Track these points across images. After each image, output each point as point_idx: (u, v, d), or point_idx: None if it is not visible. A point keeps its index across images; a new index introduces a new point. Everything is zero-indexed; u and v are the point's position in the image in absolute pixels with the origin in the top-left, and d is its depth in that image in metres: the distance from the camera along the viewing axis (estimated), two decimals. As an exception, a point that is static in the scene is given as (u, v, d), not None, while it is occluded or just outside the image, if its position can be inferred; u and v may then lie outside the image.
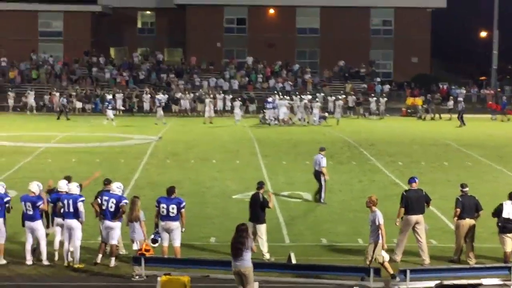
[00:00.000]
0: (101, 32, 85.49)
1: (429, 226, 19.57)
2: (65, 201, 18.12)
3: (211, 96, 61.09)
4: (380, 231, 17.26)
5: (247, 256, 15.02)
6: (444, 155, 37.77)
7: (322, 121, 53.29)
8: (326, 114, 55.19)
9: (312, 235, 21.40)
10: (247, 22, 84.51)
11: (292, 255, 17.61)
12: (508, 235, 18.31)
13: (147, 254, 17.19)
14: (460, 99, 59.96)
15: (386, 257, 17.31)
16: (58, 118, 56.11)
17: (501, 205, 18.49)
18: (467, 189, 19.32)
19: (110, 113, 52.33)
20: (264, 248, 18.85)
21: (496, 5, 76.52)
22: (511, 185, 26.81)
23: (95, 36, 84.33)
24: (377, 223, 17.29)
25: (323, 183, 25.63)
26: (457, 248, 19.12)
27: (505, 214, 18.29)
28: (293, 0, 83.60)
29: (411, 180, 19.70)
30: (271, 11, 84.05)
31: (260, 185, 19.38)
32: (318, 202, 25.53)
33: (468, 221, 18.98)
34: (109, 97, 57.65)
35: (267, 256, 18.71)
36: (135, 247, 17.81)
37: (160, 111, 53.61)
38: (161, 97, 57.21)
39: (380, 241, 17.21)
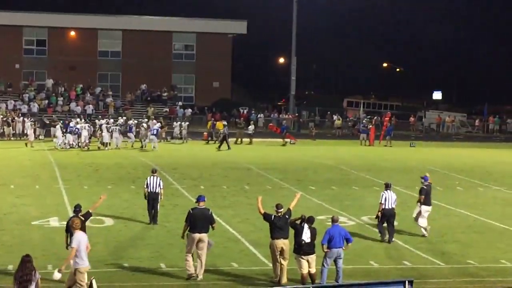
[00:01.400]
0: None
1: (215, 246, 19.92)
2: None
3: (10, 119, 59.38)
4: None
5: None
6: (246, 178, 38.41)
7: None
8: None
9: (114, 260, 21.17)
10: (47, 43, 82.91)
11: (94, 282, 17.29)
12: (304, 257, 18.77)
13: None
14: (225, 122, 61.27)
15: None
16: None
17: (301, 226, 18.93)
18: (281, 210, 19.66)
19: None
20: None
21: (294, 32, 78.94)
22: (311, 208, 27.58)
23: None
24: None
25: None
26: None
27: (303, 237, 18.74)
28: (95, 23, 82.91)
29: (200, 199, 20.25)
30: (72, 33, 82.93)
31: (78, 208, 19.14)
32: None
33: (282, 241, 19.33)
34: None
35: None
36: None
37: None
38: None
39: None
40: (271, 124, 63.06)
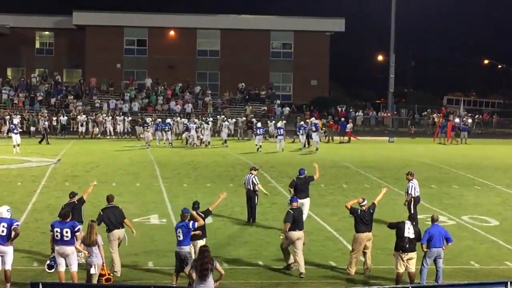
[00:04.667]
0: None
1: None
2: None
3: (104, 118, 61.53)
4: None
5: (211, 278, 15.18)
6: (344, 177, 38.25)
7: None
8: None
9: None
10: (147, 43, 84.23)
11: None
12: (409, 254, 18.57)
13: (108, 278, 16.93)
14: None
15: None
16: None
17: (402, 223, 18.73)
18: (365, 203, 19.93)
19: (16, 138, 47.48)
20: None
21: (393, 30, 78.20)
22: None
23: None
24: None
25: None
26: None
27: (405, 233, 18.54)
28: (194, 23, 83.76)
29: (293, 200, 20.68)
30: (172, 32, 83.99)
31: (197, 205, 19.26)
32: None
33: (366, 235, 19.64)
34: (17, 120, 53.25)
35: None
36: (93, 271, 17.41)
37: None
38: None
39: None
40: (331, 122, 62.54)
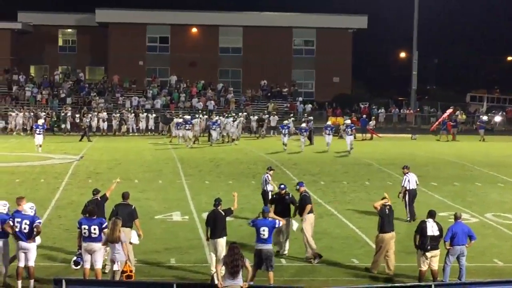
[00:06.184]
0: (21, 49, 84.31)
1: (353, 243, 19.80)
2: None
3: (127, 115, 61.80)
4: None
5: (241, 275, 15.29)
6: (366, 174, 38.15)
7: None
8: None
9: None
10: (169, 40, 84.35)
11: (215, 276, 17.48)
12: (432, 252, 18.47)
13: (129, 275, 17.03)
14: (311, 118, 60.77)
15: None
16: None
17: (424, 222, 18.64)
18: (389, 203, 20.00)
19: (39, 138, 47.07)
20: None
21: (416, 27, 77.86)
22: (430, 204, 27.12)
23: (15, 54, 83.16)
24: None
25: None
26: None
27: (429, 232, 18.44)
28: (216, 20, 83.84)
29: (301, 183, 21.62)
30: (194, 30, 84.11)
31: (218, 202, 19.23)
32: None
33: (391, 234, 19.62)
34: (41, 121, 51.87)
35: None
36: (116, 267, 17.50)
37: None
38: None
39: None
40: (353, 118, 62.31)
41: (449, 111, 65.46)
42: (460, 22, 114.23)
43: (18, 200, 18.46)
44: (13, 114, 62.46)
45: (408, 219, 25.86)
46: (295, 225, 20.71)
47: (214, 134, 53.23)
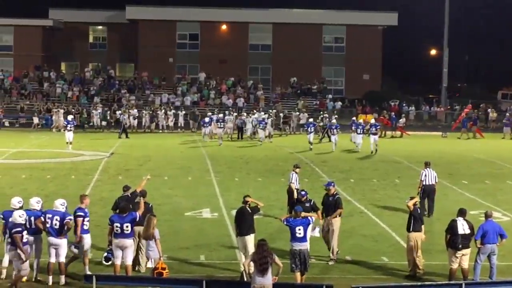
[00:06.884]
0: (52, 46, 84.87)
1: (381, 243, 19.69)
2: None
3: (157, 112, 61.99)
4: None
5: (270, 272, 15.32)
6: (396, 172, 38.00)
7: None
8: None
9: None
10: (199, 37, 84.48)
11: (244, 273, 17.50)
12: (463, 251, 18.35)
13: (164, 273, 17.12)
14: (326, 115, 60.50)
15: None
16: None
17: (454, 221, 18.52)
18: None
19: (69, 135, 46.72)
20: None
21: (446, 24, 77.44)
22: (461, 202, 26.96)
23: (46, 50, 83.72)
24: None
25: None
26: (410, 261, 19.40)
27: (460, 231, 18.31)
28: (246, 17, 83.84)
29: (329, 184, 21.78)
30: (224, 27, 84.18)
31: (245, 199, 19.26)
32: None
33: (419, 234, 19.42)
34: (71, 117, 50.93)
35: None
36: (150, 264, 17.59)
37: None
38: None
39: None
40: (382, 116, 61.93)
41: (467, 109, 64.93)
42: (491, 18, 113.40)
43: (82, 197, 18.85)
44: (60, 111, 62.14)
45: (425, 213, 25.75)
46: (317, 230, 20.47)
47: (261, 133, 52.78)
